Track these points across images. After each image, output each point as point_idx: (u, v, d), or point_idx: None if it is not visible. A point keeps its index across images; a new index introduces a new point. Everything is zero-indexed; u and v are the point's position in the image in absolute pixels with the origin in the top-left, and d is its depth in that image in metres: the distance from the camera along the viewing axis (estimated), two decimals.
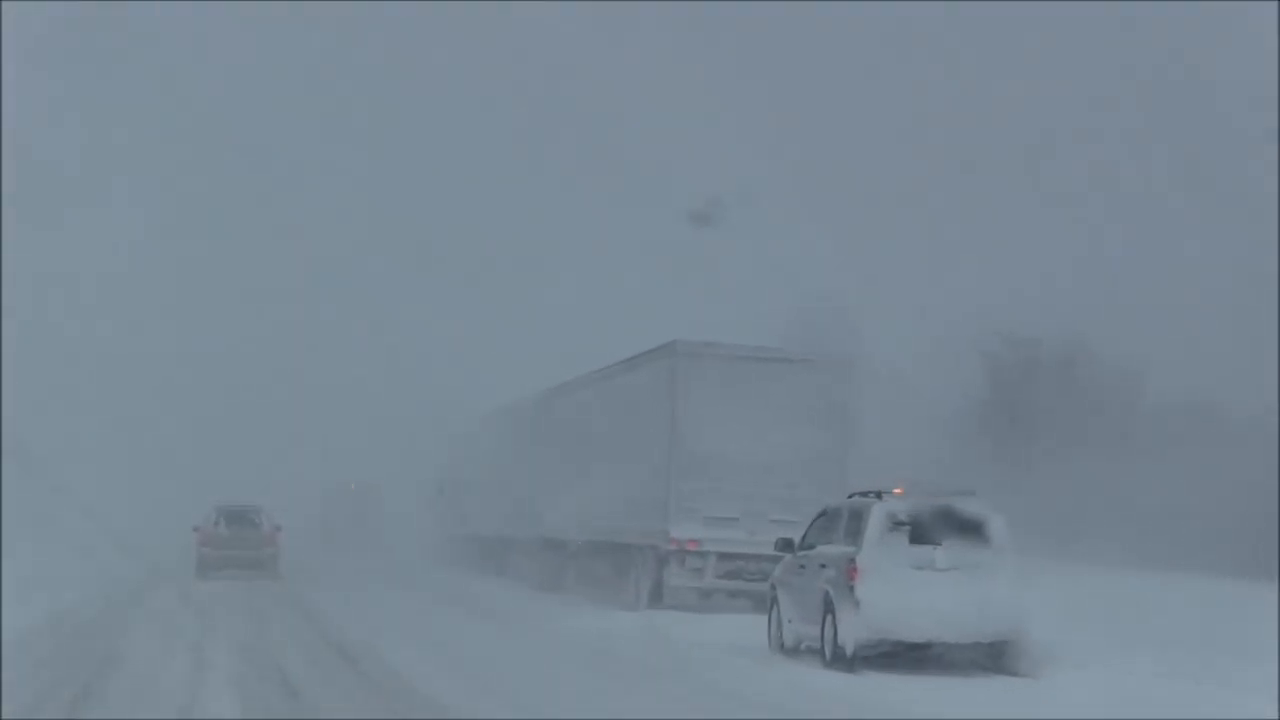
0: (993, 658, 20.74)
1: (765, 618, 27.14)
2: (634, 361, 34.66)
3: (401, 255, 75.88)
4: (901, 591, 20.45)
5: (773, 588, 24.20)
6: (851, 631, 20.60)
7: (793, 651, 23.16)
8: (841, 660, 20.87)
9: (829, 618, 21.21)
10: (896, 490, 21.22)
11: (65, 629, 26.62)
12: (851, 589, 20.71)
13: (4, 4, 48.86)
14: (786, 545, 23.82)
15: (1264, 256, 38.07)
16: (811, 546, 22.96)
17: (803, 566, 22.93)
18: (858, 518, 21.38)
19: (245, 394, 77.40)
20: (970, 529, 20.71)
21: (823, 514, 23.27)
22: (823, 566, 21.88)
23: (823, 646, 21.52)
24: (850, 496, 22.60)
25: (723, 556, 31.84)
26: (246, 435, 76.16)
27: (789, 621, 23.22)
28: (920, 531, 20.77)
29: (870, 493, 21.72)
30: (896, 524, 20.85)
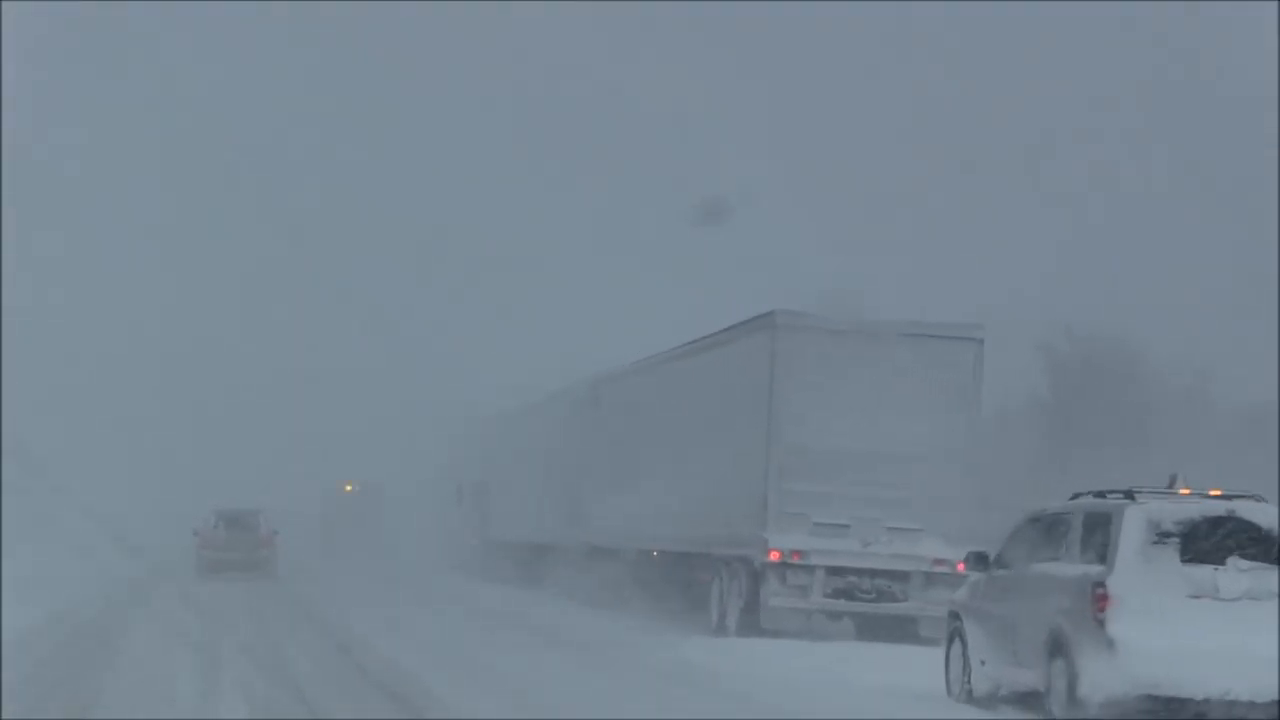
0: None
1: (880, 646, 23.82)
2: (718, 339, 28.88)
3: (404, 252, 75.47)
4: (1174, 628, 14.78)
5: (955, 617, 18.46)
6: (1100, 682, 14.86)
7: (986, 701, 17.51)
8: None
9: (1060, 662, 15.49)
10: (1182, 490, 15.47)
11: (66, 628, 26.27)
12: (1100, 623, 14.98)
13: (3, 4, 48.11)
14: (980, 561, 18.04)
15: None
16: (1016, 563, 17.29)
17: (1006, 590, 17.21)
18: (1100, 526, 15.62)
19: (245, 393, 75.68)
20: (1263, 544, 15.08)
21: (1034, 520, 17.44)
22: (1045, 592, 16.12)
23: (1047, 700, 15.80)
24: (1075, 497, 16.86)
25: (832, 571, 26.22)
26: (247, 435, 73.80)
27: (981, 663, 17.51)
28: (1195, 546, 15.07)
29: (1112, 492, 16.00)
30: (1161, 535, 15.13)
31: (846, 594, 26.26)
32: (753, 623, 26.51)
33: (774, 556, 26.03)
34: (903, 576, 26.25)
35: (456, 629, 29.51)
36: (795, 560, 26.07)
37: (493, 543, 49.19)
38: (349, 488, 75.47)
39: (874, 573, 26.14)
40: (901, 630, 26.45)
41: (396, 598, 39.09)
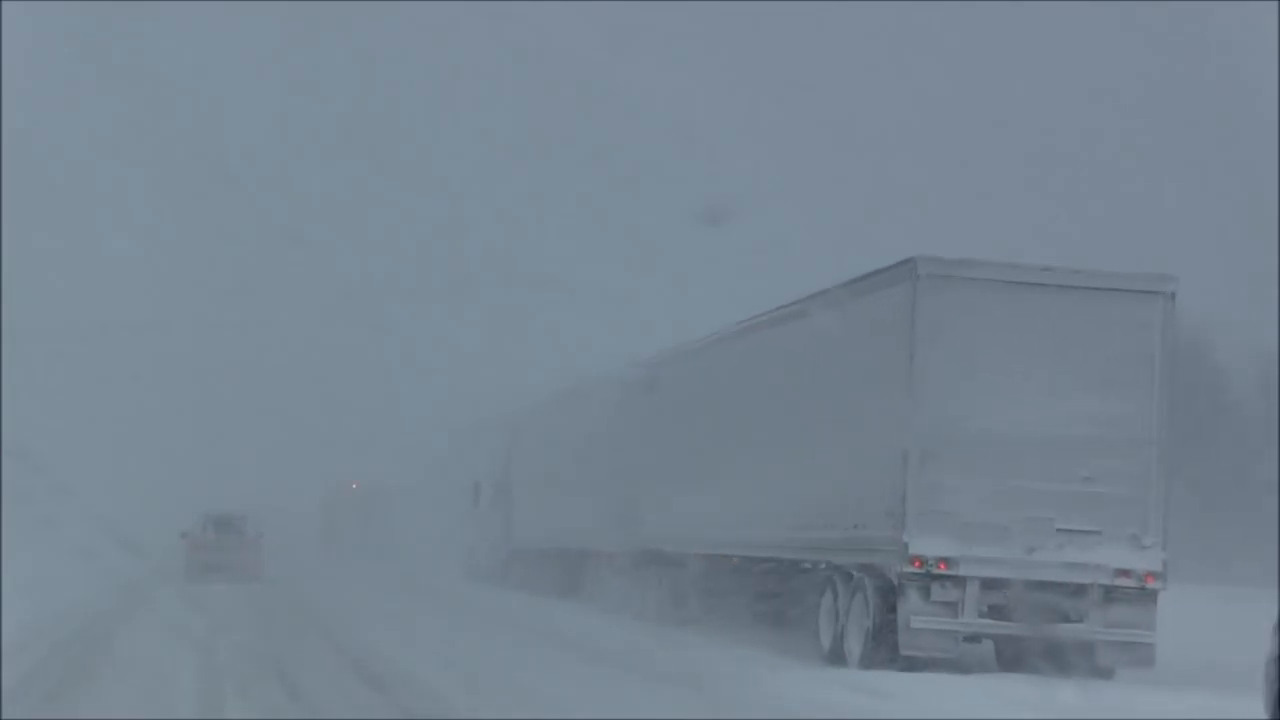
0: None
1: (1050, 682, 19.49)
2: (833, 297, 23.02)
3: (408, 252, 71.80)
4: None
5: None
6: None
7: None
8: None
9: None
10: None
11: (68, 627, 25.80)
12: None
13: (4, 4, 46.99)
14: None
15: None
16: None
17: None
18: None
19: (247, 392, 73.65)
20: None
21: None
22: None
23: None
24: None
25: (988, 585, 20.56)
26: (248, 435, 71.64)
27: None
28: None
29: None
30: None
31: (1005, 613, 20.57)
32: (885, 649, 20.84)
33: (915, 565, 20.39)
34: (1077, 591, 20.60)
35: (501, 652, 23.88)
36: (942, 570, 20.39)
37: (518, 548, 43.53)
38: (355, 486, 70.09)
39: (1041, 586, 20.49)
40: (1068, 659, 20.89)
41: (415, 610, 33.53)
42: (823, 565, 23.15)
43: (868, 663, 20.95)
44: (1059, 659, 20.94)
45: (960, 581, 20.38)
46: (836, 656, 21.96)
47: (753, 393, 26.21)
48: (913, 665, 20.61)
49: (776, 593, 25.98)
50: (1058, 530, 20.46)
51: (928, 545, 20.33)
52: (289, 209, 72.89)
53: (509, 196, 76.56)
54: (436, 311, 64.48)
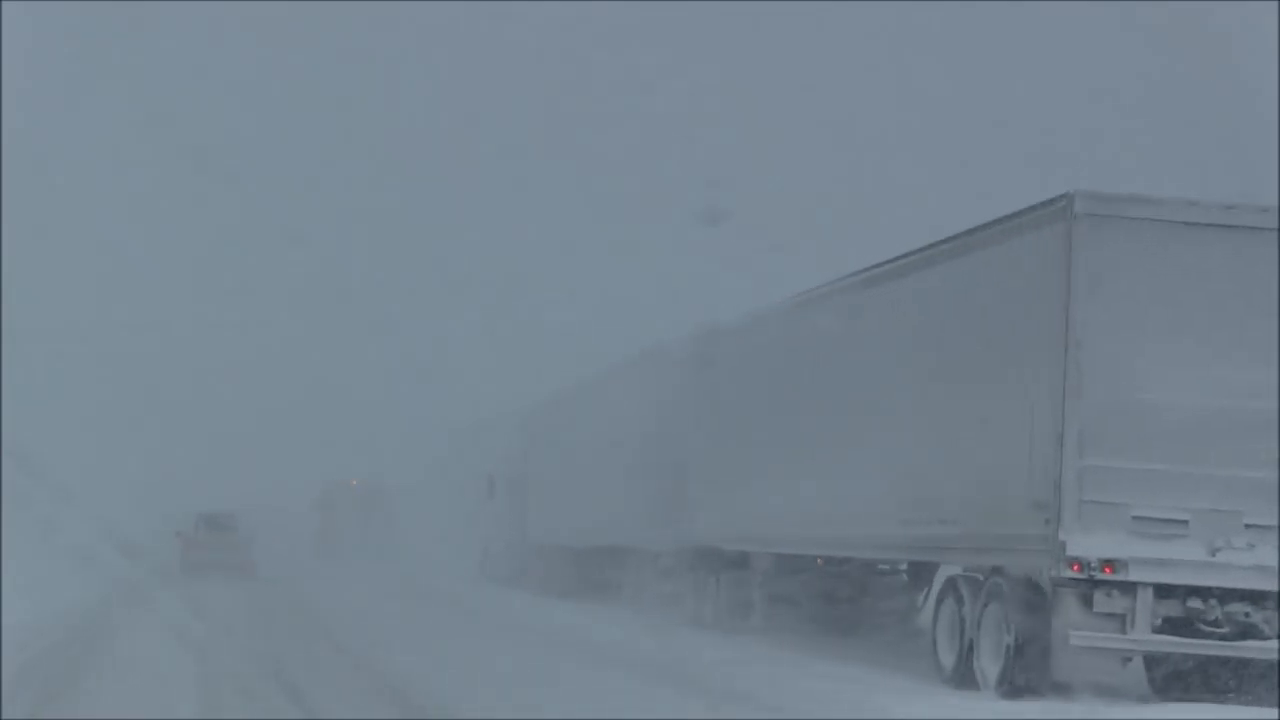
0: None
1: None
2: (962, 243, 18.87)
3: (406, 250, 71.71)
4: None
5: None
6: None
7: None
8: None
9: None
10: None
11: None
12: None
13: (3, 4, 46.95)
14: None
15: None
16: None
17: None
18: None
19: (246, 392, 72.20)
20: None
21: None
22: None
23: None
24: None
25: (1163, 593, 16.62)
26: (247, 433, 69.58)
27: None
28: None
29: None
30: None
31: (1186, 627, 16.67)
32: (1032, 672, 16.95)
33: (1074, 569, 16.47)
34: (1267, 601, 16.73)
35: (551, 672, 19.97)
36: (1107, 575, 16.48)
37: (539, 546, 39.55)
38: (353, 484, 66.18)
39: (1227, 594, 16.60)
40: (1248, 684, 17.06)
41: (434, 619, 29.69)
42: (943, 567, 19.25)
43: (1010, 688, 17.03)
44: (1235, 683, 17.12)
45: (1129, 589, 16.48)
46: (963, 679, 18.03)
47: (842, 363, 22.21)
48: (1067, 691, 16.74)
49: (870, 600, 22.22)
50: (1246, 526, 16.56)
51: (1089, 544, 16.41)
52: (288, 208, 72.00)
53: (508, 194, 75.84)
54: (435, 309, 65.49)
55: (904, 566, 23.88)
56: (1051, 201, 17.03)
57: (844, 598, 24.22)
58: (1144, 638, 16.51)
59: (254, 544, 47.98)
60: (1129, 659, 16.77)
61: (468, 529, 49.92)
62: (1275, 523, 16.47)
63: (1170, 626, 16.59)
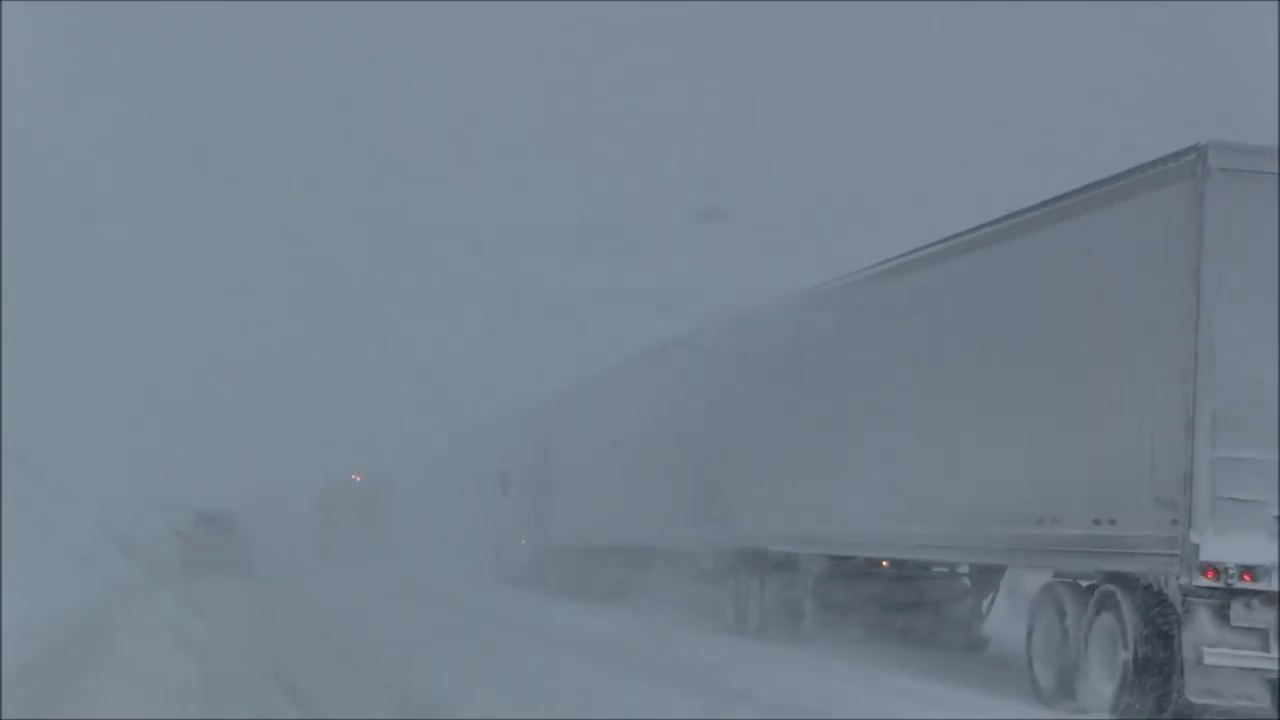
0: None
1: None
2: (1072, 203, 16.51)
3: (406, 247, 70.04)
4: None
5: None
6: None
7: None
8: None
9: None
10: None
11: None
12: None
13: (3, 4, 45.92)
14: None
15: None
16: None
17: None
18: None
19: (246, 390, 70.51)
20: None
21: None
22: None
23: None
24: None
25: None
26: (247, 431, 67.61)
27: None
28: None
29: None
30: None
31: None
32: (1157, 694, 14.70)
33: (1208, 576, 14.23)
34: None
35: (595, 686, 17.69)
36: (1246, 583, 14.25)
37: (559, 546, 37.30)
38: (356, 479, 64.07)
39: None
40: None
41: (458, 627, 27.38)
42: (1003, 571, 17.07)
43: (1128, 712, 14.78)
44: None
45: (1273, 600, 14.24)
46: (1065, 700, 15.79)
47: (908, 343, 19.95)
48: (1196, 716, 14.50)
49: (928, 606, 20.02)
50: None
51: (1225, 548, 14.19)
52: (287, 207, 70.52)
53: (508, 192, 75.53)
54: (435, 307, 64.08)
55: (964, 570, 21.76)
56: (1179, 155, 14.77)
57: (901, 603, 22.06)
58: None
59: (252, 543, 48.50)
60: (1272, 680, 14.50)
61: (477, 528, 47.77)
62: None
63: None
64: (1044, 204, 16.90)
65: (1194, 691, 14.31)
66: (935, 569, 22.00)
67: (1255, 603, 14.23)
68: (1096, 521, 15.62)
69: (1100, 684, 15.29)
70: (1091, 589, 15.73)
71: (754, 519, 24.38)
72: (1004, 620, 21.87)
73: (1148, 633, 14.73)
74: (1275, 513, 14.22)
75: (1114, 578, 15.33)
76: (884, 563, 21.60)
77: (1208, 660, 14.21)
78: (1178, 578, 14.36)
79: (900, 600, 22.10)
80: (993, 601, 21.70)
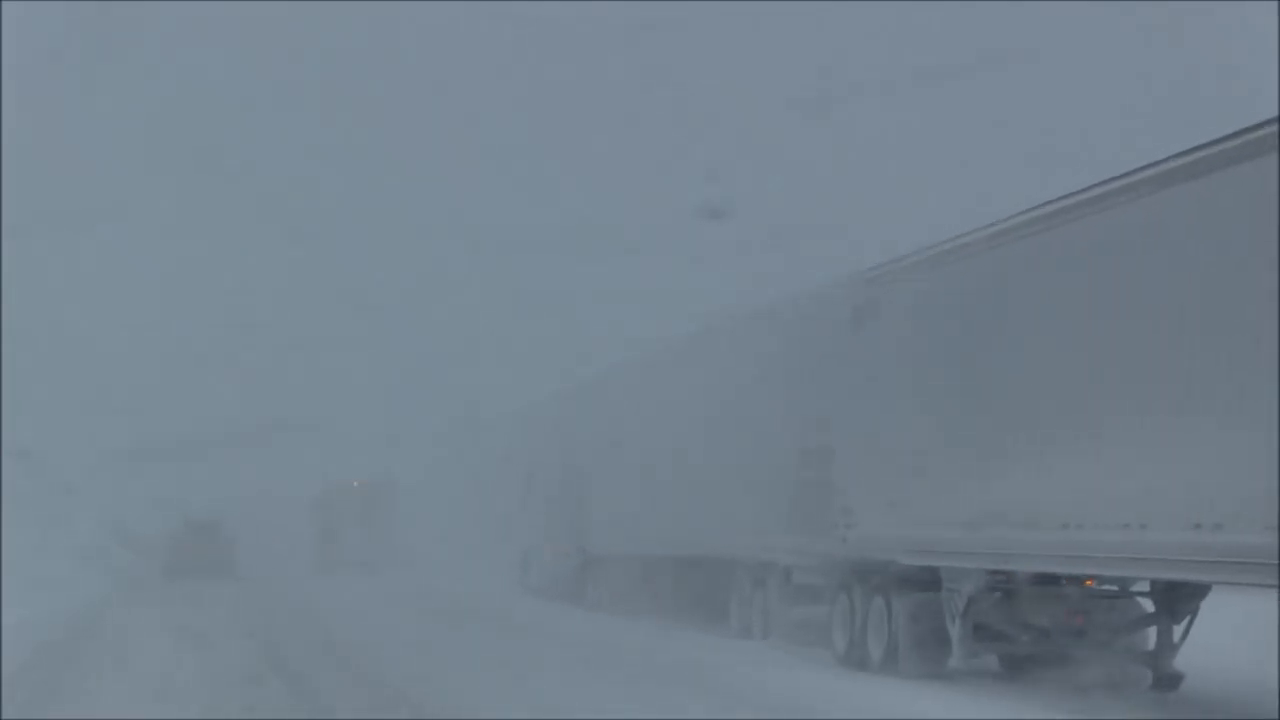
0: None
1: None
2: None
3: (404, 244, 68.64)
4: None
5: None
6: None
7: None
8: None
9: None
10: None
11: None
12: None
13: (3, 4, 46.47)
14: None
15: None
16: None
17: None
18: None
19: (245, 393, 66.84)
20: None
21: None
22: None
23: None
24: None
25: None
26: (242, 434, 61.46)
27: None
28: None
29: None
30: None
31: None
32: None
33: None
34: None
35: None
36: None
37: (600, 554, 32.77)
38: (356, 484, 59.84)
39: None
40: None
41: (497, 647, 22.90)
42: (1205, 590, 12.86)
43: None
44: None
45: None
46: None
47: (1086, 303, 15.57)
48: None
49: (1119, 634, 15.84)
50: None
51: None
52: (285, 205, 69.65)
53: (507, 191, 74.02)
54: (435, 305, 62.57)
55: (1145, 588, 17.44)
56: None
57: (1071, 629, 17.76)
58: None
59: (236, 548, 50.77)
60: None
61: (494, 534, 43.35)
62: None
63: None
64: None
65: None
66: (1106, 585, 17.79)
67: None
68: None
69: None
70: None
71: (877, 524, 19.88)
72: (1203, 652, 17.67)
73: None
74: None
75: None
76: (1064, 579, 17.20)
77: None
78: None
79: (1071, 625, 17.79)
80: (1188, 628, 17.42)
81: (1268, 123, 13.04)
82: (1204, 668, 17.78)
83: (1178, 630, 17.53)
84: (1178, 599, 17.25)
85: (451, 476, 52.73)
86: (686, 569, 27.22)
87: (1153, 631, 17.80)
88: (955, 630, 18.29)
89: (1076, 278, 16.07)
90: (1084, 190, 16.11)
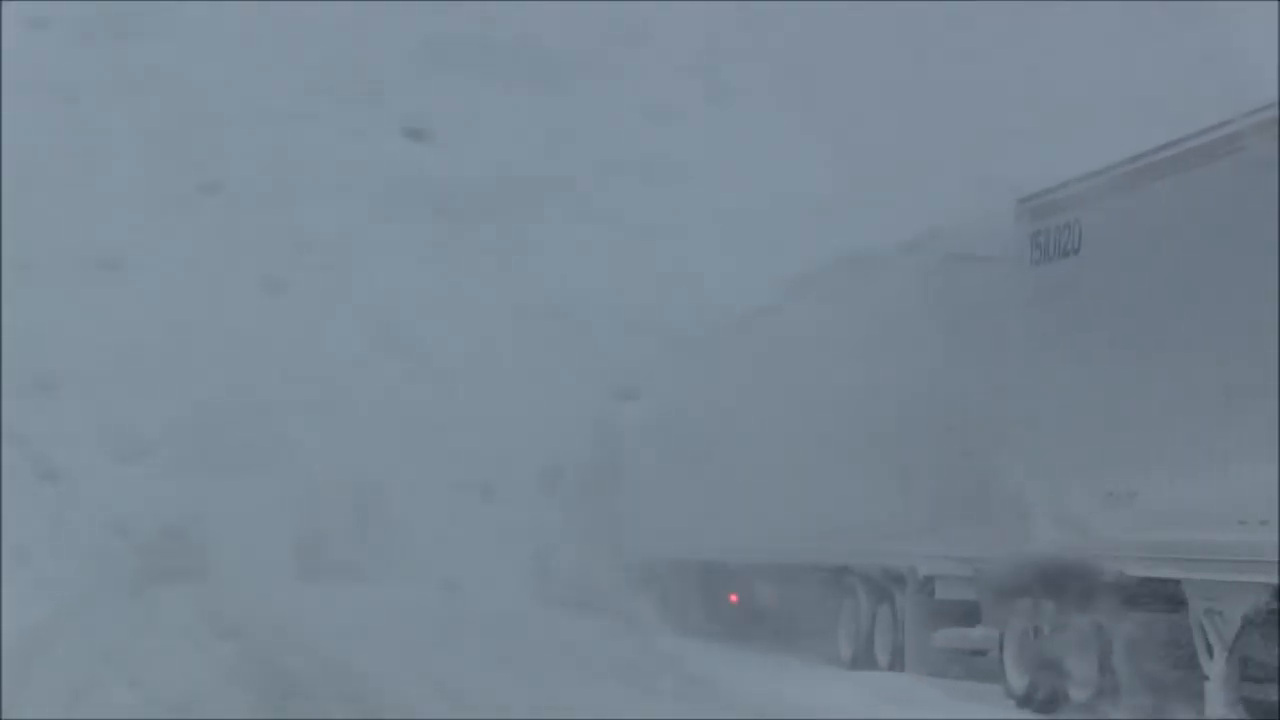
0: None
1: None
2: None
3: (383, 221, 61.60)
4: None
5: None
6: None
7: None
8: None
9: None
10: None
11: None
12: None
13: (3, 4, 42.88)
14: None
15: None
16: None
17: None
18: None
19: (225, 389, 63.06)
20: None
21: None
22: None
23: None
24: None
25: None
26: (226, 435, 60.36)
27: None
28: None
29: None
30: None
31: None
32: None
33: None
34: None
35: None
36: None
37: (646, 560, 27.41)
38: (343, 484, 55.26)
39: None
40: None
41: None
42: None
43: None
44: None
45: None
46: None
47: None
48: None
49: None
50: None
51: None
52: (287, 203, 62.11)
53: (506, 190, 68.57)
54: (426, 292, 55.26)
55: None
56: None
57: None
58: None
59: (206, 552, 49.92)
60: None
61: (506, 536, 38.06)
62: None
63: None
64: None
65: None
66: None
67: None
68: None
69: None
70: None
71: (1084, 520, 14.65)
72: None
73: None
74: None
75: None
76: None
77: None
78: None
79: None
80: None
81: None
82: None
83: None
84: None
85: (452, 475, 47.67)
86: (767, 580, 22.03)
87: None
88: (1215, 667, 13.11)
89: None
90: None
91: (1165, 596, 13.73)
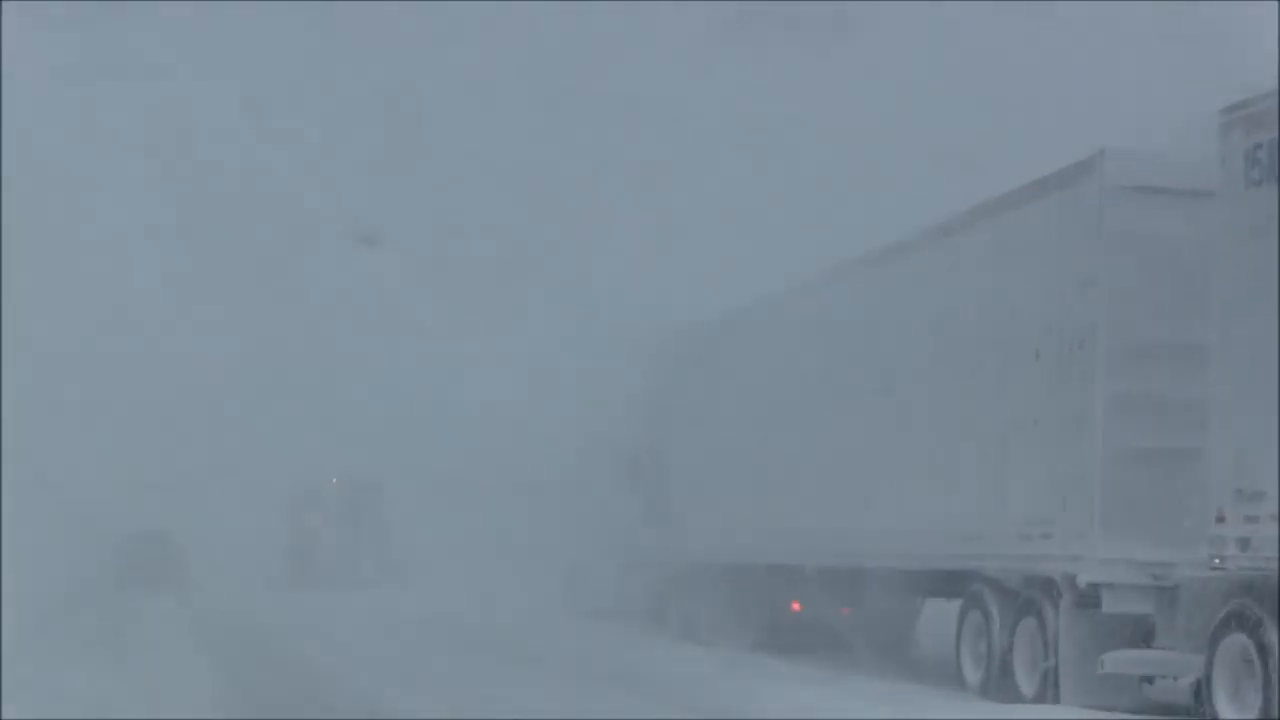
0: None
1: None
2: None
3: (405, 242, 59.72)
4: None
5: None
6: None
7: None
8: None
9: None
10: None
11: None
12: None
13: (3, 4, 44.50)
14: None
15: None
16: None
17: None
18: None
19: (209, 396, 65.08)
20: None
21: None
22: None
23: None
24: None
25: None
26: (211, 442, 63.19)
27: None
28: None
29: None
30: None
31: None
32: None
33: None
34: None
35: None
36: None
37: (701, 565, 23.75)
38: (334, 482, 52.25)
39: None
40: None
41: None
42: None
43: None
44: None
45: None
46: None
47: None
48: None
49: None
50: None
51: None
52: (286, 204, 61.00)
53: (508, 188, 64.52)
54: (430, 297, 53.24)
55: None
56: None
57: None
58: None
59: (188, 558, 49.00)
60: None
61: (521, 540, 34.73)
62: None
63: None
64: None
65: None
66: None
67: None
68: None
69: None
70: None
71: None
72: None
73: None
74: None
75: None
76: None
77: None
78: None
79: None
80: None
81: None
82: None
83: None
84: None
85: (454, 473, 44.30)
86: (840, 586, 18.56)
87: None
88: None
89: None
90: None
91: None
